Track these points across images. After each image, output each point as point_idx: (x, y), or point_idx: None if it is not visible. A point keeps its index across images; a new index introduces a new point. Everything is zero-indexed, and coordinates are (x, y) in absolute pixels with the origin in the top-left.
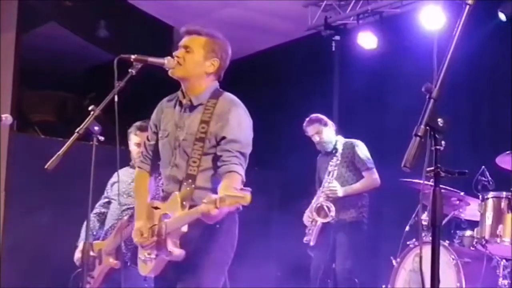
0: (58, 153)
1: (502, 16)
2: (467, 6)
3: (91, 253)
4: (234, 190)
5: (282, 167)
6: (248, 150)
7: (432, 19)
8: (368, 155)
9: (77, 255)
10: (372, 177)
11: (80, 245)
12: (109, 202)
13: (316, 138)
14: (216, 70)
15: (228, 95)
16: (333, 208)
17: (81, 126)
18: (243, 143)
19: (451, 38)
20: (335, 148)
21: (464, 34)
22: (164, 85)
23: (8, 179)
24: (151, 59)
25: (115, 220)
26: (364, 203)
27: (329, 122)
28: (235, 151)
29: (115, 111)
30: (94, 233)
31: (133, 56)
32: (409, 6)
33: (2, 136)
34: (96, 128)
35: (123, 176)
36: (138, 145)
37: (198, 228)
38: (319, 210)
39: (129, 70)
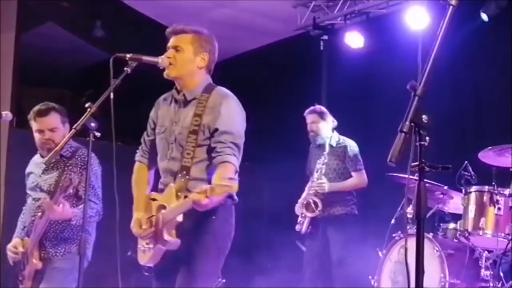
0: (56, 148)
1: (485, 17)
2: (451, 7)
3: (21, 250)
4: (224, 180)
5: (272, 162)
6: (241, 140)
7: (417, 20)
8: (359, 156)
9: (9, 253)
10: (361, 178)
11: (13, 241)
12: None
13: (311, 127)
14: (207, 64)
15: (220, 89)
16: (320, 204)
17: (78, 123)
18: (235, 134)
19: (435, 37)
20: (326, 145)
21: (447, 34)
22: (158, 83)
23: (8, 173)
24: (146, 58)
25: (33, 217)
26: (351, 198)
27: (329, 119)
28: (228, 142)
29: (111, 108)
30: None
31: (128, 55)
32: (395, 7)
33: (2, 132)
34: (92, 124)
35: (34, 167)
36: (39, 131)
37: (194, 220)
38: (307, 205)
39: (125, 68)
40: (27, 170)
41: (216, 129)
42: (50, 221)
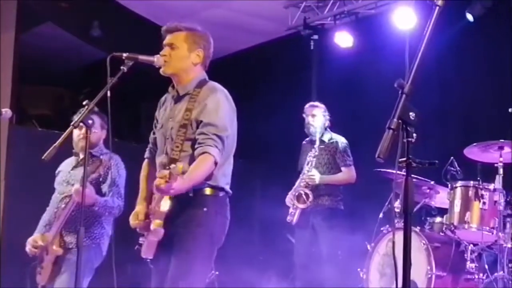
0: (55, 144)
1: (470, 17)
2: (437, 7)
3: (41, 244)
4: (192, 172)
5: (264, 159)
6: (225, 133)
7: (404, 20)
8: (349, 153)
9: (29, 246)
10: (350, 173)
11: (34, 236)
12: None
13: (309, 119)
14: (202, 59)
15: (211, 84)
16: (311, 195)
17: (76, 119)
18: (219, 127)
19: (422, 37)
20: (317, 139)
21: (434, 33)
22: (153, 81)
23: (8, 169)
24: (142, 57)
25: (56, 209)
26: (339, 193)
27: (327, 116)
28: (211, 134)
29: (108, 106)
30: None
31: (124, 54)
32: (383, 8)
33: (2, 129)
34: (90, 121)
35: (65, 166)
36: (79, 128)
37: (185, 212)
38: (299, 197)
39: (121, 67)
40: (58, 169)
41: (201, 121)
42: (72, 211)
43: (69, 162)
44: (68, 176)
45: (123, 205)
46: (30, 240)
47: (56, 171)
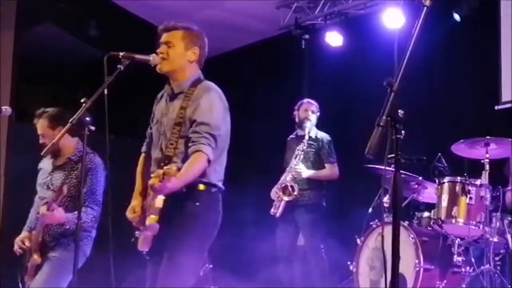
0: (53, 141)
1: (457, 17)
2: (425, 8)
3: (28, 245)
4: (185, 170)
5: (256, 156)
6: (217, 131)
7: (393, 20)
8: (333, 150)
9: (16, 246)
10: (333, 170)
11: (22, 235)
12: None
13: (306, 114)
14: (197, 57)
15: (206, 83)
16: (296, 188)
17: (74, 117)
18: (212, 125)
19: (410, 36)
20: (306, 134)
21: (422, 33)
22: (149, 80)
23: (8, 165)
24: (138, 56)
25: (38, 214)
26: (322, 188)
27: (318, 114)
28: (204, 132)
29: (105, 103)
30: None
31: (121, 53)
32: (372, 8)
33: (2, 126)
34: (87, 118)
35: (45, 165)
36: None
37: (178, 206)
38: (284, 189)
39: (118, 66)
40: (39, 165)
41: (195, 120)
42: (45, 228)
43: (50, 162)
44: (47, 179)
45: (99, 212)
46: (17, 240)
47: (38, 167)
